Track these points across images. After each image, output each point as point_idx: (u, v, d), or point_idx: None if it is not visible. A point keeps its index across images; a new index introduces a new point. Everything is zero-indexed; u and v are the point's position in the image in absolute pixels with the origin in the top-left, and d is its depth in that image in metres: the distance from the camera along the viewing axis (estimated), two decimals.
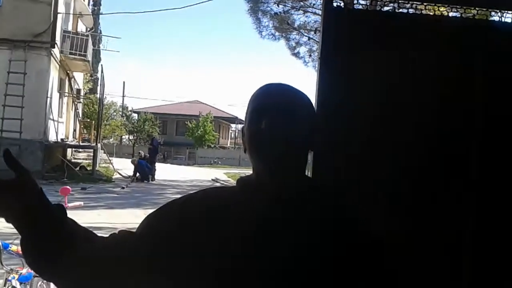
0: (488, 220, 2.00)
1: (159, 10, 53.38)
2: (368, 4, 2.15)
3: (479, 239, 2.00)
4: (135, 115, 50.27)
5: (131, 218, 11.15)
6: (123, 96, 51.60)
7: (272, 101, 1.15)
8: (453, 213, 1.99)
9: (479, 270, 2.00)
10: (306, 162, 1.21)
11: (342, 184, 1.91)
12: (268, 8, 18.60)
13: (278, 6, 18.20)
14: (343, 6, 2.00)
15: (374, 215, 1.34)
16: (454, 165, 2.00)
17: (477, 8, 2.11)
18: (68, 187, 4.87)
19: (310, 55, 18.54)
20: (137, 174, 20.30)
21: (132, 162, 21.63)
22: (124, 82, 71.77)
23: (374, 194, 1.95)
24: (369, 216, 1.19)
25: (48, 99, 17.95)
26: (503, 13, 2.22)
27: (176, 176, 23.58)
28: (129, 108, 52.00)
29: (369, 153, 1.97)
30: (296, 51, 19.20)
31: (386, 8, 2.21)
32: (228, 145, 55.60)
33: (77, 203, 5.24)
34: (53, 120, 19.16)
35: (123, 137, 48.00)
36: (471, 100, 2.00)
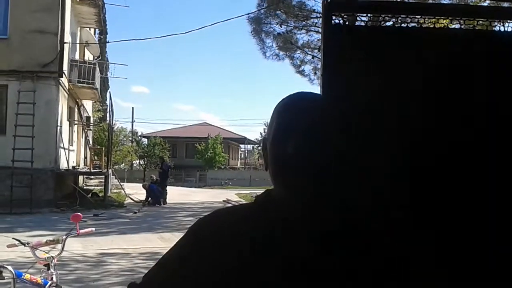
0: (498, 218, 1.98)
1: (164, 36, 54.04)
2: (368, 20, 2.16)
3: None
4: (145, 140, 50.62)
5: (143, 243, 11.15)
6: (132, 122, 52.12)
7: (302, 120, 1.04)
8: (460, 213, 1.97)
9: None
10: (341, 181, 1.13)
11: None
12: (271, 29, 18.82)
13: (280, 26, 18.42)
14: (342, 24, 2.01)
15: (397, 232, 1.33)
16: (455, 179, 1.99)
17: (477, 19, 2.11)
18: (79, 213, 4.89)
19: (315, 73, 18.65)
20: (149, 199, 20.33)
21: (144, 186, 21.66)
22: (132, 108, 72.59)
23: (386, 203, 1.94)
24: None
25: (58, 127, 18.13)
26: (503, 22, 2.22)
27: (188, 198, 23.57)
28: (139, 133, 52.47)
29: (372, 165, 1.96)
30: (301, 69, 19.35)
31: (388, 23, 2.22)
32: (238, 165, 55.64)
33: (88, 230, 5.25)
34: (63, 148, 19.31)
35: (133, 162, 48.24)
36: (473, 109, 2.00)
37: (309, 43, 18.57)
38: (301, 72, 19.38)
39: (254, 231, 1.07)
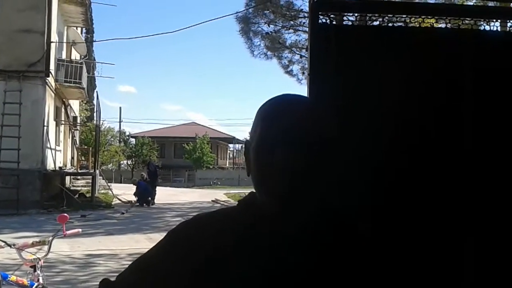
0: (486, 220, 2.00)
1: (151, 35, 53.82)
2: (356, 20, 2.17)
3: (478, 239, 1.99)
4: (133, 140, 50.38)
5: (131, 243, 11.09)
6: (120, 122, 51.87)
7: (289, 127, 0.98)
8: (451, 214, 1.99)
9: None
10: (324, 184, 1.05)
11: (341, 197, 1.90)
12: (259, 28, 18.83)
13: (268, 26, 18.44)
14: (329, 23, 2.02)
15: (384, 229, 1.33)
16: (447, 175, 2.00)
17: (462, 18, 2.13)
18: (65, 214, 4.85)
19: (303, 73, 18.69)
20: (137, 199, 20.22)
21: (133, 182, 21.67)
22: (120, 108, 72.21)
23: (376, 204, 1.94)
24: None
25: (45, 127, 17.97)
26: (488, 21, 2.23)
27: (176, 198, 23.49)
28: (127, 133, 52.22)
29: (361, 163, 1.97)
30: (289, 69, 19.39)
31: (375, 23, 2.23)
32: (227, 165, 55.59)
33: (75, 230, 5.20)
34: (50, 148, 19.15)
35: (121, 162, 48.03)
36: (459, 108, 2.01)
37: (297, 43, 18.62)
38: (289, 72, 19.43)
39: (231, 236, 1.04)
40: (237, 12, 18.55)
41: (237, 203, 1.14)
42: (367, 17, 2.21)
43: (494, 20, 2.20)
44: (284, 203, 1.00)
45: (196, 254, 1.04)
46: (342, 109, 1.93)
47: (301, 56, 18.54)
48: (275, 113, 1.01)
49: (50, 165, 19.16)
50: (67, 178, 20.89)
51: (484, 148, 2.02)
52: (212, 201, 22.71)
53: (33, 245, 4.58)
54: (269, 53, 19.31)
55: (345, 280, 1.01)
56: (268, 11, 18.36)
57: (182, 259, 1.05)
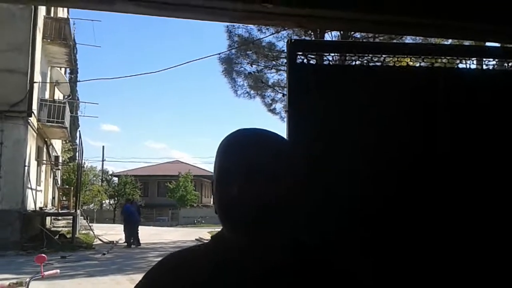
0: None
1: (135, 75, 54.23)
2: (336, 60, 2.23)
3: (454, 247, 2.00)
4: (116, 179, 49.90)
5: (112, 285, 10.82)
6: (103, 161, 51.49)
7: (244, 159, 0.98)
8: (431, 238, 2.00)
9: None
10: (291, 221, 1.05)
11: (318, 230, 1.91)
12: (242, 68, 19.10)
13: (251, 66, 18.70)
14: (306, 62, 2.07)
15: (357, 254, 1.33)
16: (422, 198, 2.02)
17: (436, 57, 2.19)
18: (43, 255, 4.75)
19: (286, 111, 18.85)
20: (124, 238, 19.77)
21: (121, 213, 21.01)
22: (103, 147, 71.80)
23: (350, 229, 1.95)
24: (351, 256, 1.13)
25: (26, 167, 17.75)
26: (461, 60, 2.30)
27: (159, 238, 23.13)
28: (109, 172, 51.75)
29: (335, 198, 1.99)
30: (272, 107, 19.59)
31: (355, 62, 2.28)
32: (211, 203, 55.02)
33: (53, 271, 5.09)
34: (31, 188, 18.87)
35: (103, 202, 47.42)
36: (435, 144, 2.06)
37: (279, 82, 18.87)
38: (272, 111, 19.62)
39: (200, 275, 1.03)
40: (220, 53, 18.84)
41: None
42: (346, 57, 2.28)
43: (467, 59, 2.27)
44: (247, 238, 0.99)
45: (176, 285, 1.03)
46: (319, 145, 1.96)
47: (283, 95, 18.75)
48: (233, 147, 1.01)
49: (30, 205, 18.83)
50: (48, 218, 20.51)
51: (460, 184, 2.06)
52: (196, 239, 22.38)
53: (10, 287, 4.46)
54: (252, 92, 19.55)
55: None
56: (250, 52, 18.67)
57: None
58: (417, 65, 2.22)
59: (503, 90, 2.17)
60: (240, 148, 1.00)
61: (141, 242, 19.79)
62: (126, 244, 19.50)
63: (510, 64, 2.32)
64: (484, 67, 2.39)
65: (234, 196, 0.97)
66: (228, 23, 16.11)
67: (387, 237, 2.00)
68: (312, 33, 15.70)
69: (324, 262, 1.06)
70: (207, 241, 1.13)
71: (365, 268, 1.17)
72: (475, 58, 2.41)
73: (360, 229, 1.98)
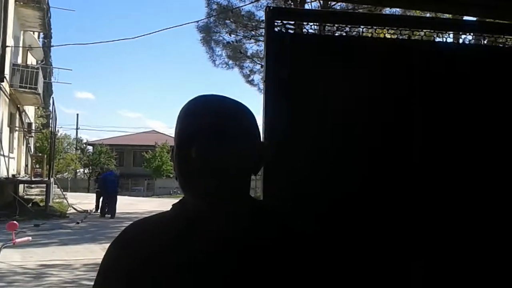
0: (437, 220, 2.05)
1: (110, 41, 53.07)
2: (315, 30, 2.20)
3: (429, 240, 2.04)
4: (90, 148, 49.40)
5: (85, 254, 10.82)
6: (77, 129, 50.79)
7: (204, 123, 0.98)
8: (404, 222, 2.03)
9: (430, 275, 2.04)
10: (249, 187, 1.06)
11: (292, 202, 1.92)
12: (221, 38, 18.83)
13: (230, 35, 18.46)
14: (284, 31, 2.04)
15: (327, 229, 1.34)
16: (399, 178, 2.05)
17: (413, 29, 2.19)
18: (15, 222, 4.70)
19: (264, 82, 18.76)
20: (100, 204, 19.22)
21: (96, 180, 20.19)
22: (77, 115, 70.71)
23: (325, 207, 1.97)
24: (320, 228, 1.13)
25: None
26: (438, 33, 2.30)
27: (135, 208, 23.08)
28: (84, 141, 51.14)
29: (316, 167, 2.00)
30: (250, 78, 19.45)
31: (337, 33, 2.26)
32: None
33: (25, 238, 5.06)
34: (3, 155, 18.54)
35: (78, 170, 46.98)
36: (409, 117, 2.07)
37: (258, 53, 18.70)
38: (251, 82, 19.50)
39: (163, 241, 1.04)
40: (198, 21, 18.53)
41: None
42: (324, 27, 2.26)
43: (444, 32, 2.27)
44: (209, 202, 0.99)
45: (132, 260, 1.03)
46: (294, 114, 1.96)
47: (261, 66, 18.64)
48: (190, 112, 1.02)
49: (3, 173, 18.53)
50: (21, 186, 20.23)
51: (434, 159, 2.08)
52: None
53: None
54: (230, 62, 19.35)
55: (280, 280, 1.00)
56: (229, 21, 18.41)
57: (121, 267, 1.05)
58: (395, 37, 2.22)
59: (479, 64, 2.19)
60: (200, 112, 1.01)
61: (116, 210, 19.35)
62: (100, 214, 19.05)
63: (486, 39, 2.34)
64: (461, 41, 2.41)
65: (193, 160, 0.96)
66: None
67: (352, 209, 2.02)
68: (292, 3, 15.54)
69: (283, 225, 1.07)
70: (170, 209, 1.13)
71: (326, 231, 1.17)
72: (452, 32, 2.42)
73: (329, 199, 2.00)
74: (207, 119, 0.99)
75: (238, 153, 0.99)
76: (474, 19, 2.86)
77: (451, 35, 2.37)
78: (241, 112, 1.04)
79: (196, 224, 1.02)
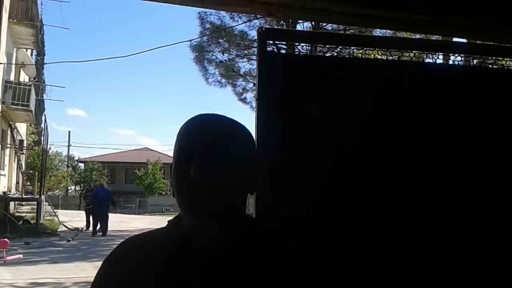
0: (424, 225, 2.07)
1: (103, 59, 53.15)
2: (307, 50, 2.24)
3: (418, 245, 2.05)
4: (82, 165, 49.11)
5: (76, 272, 10.70)
6: (69, 146, 50.50)
7: (202, 142, 1.00)
8: (393, 236, 2.05)
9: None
10: (245, 205, 1.09)
11: (285, 218, 1.93)
12: (214, 57, 18.94)
13: (223, 54, 18.56)
14: (276, 51, 2.08)
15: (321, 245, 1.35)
16: (389, 197, 2.07)
17: (402, 51, 2.24)
18: (6, 240, 4.67)
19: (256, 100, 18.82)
20: (91, 223, 18.71)
21: (84, 195, 19.37)
22: (69, 132, 70.44)
23: (317, 225, 1.98)
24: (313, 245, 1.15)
25: None
26: (427, 54, 2.35)
27: (126, 225, 22.89)
28: (76, 158, 50.84)
29: (301, 184, 2.02)
30: (243, 97, 19.52)
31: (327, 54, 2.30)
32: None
33: (16, 256, 5.02)
34: None
35: (69, 188, 46.66)
36: (399, 135, 2.10)
37: (250, 72, 18.81)
38: (243, 100, 19.56)
39: (157, 257, 1.05)
40: (191, 40, 18.64)
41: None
42: (316, 48, 2.30)
43: (434, 53, 2.32)
44: (203, 218, 1.01)
45: (123, 277, 1.05)
46: (286, 134, 1.98)
47: (254, 85, 18.73)
48: (190, 131, 1.04)
49: None
50: (11, 203, 20.06)
51: (423, 178, 2.11)
52: None
53: None
54: (223, 80, 19.43)
55: None
56: (222, 40, 18.54)
57: (118, 278, 1.06)
58: (385, 58, 2.26)
59: (468, 85, 2.23)
60: (198, 131, 1.03)
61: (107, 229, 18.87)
62: (92, 233, 18.39)
63: (475, 61, 2.39)
64: (450, 62, 2.45)
65: (191, 177, 0.98)
66: (200, 9, 15.99)
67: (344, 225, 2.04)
68: (284, 24, 15.70)
69: (275, 241, 1.09)
70: (164, 225, 1.14)
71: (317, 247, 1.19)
72: (441, 53, 2.47)
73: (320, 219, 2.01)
74: (204, 137, 1.01)
75: (233, 171, 1.00)
76: (464, 41, 2.92)
77: (441, 57, 2.42)
78: (237, 130, 1.06)
79: (190, 241, 1.04)
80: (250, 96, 19.26)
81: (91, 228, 18.81)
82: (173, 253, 1.04)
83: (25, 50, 23.31)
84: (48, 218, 21.84)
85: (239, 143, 1.04)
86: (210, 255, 1.02)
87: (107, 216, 18.51)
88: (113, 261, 1.11)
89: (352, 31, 12.04)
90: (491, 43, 2.65)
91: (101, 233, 18.18)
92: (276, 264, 1.04)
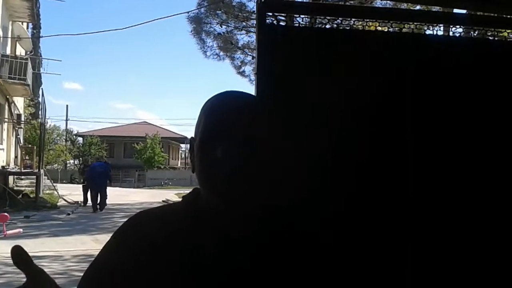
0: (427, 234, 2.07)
1: (100, 31, 52.60)
2: (307, 22, 2.21)
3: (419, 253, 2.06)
4: (81, 139, 49.12)
5: (77, 245, 10.80)
6: (67, 120, 50.34)
7: (231, 123, 0.98)
8: (392, 225, 2.05)
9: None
10: (267, 191, 1.07)
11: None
12: (211, 29, 18.72)
13: (221, 26, 18.37)
14: (276, 23, 2.04)
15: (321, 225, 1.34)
16: (392, 168, 2.06)
17: (404, 22, 2.20)
18: (6, 214, 4.70)
19: (255, 74, 18.71)
20: (87, 199, 18.38)
21: (81, 170, 18.88)
22: (67, 106, 70.10)
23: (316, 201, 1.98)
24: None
25: None
26: (429, 26, 2.32)
27: (126, 199, 23.03)
28: (74, 132, 50.80)
29: (303, 164, 2.01)
30: (241, 70, 19.38)
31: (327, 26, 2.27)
32: (179, 165, 55.01)
33: (16, 230, 5.05)
34: None
35: (68, 162, 46.72)
36: (400, 109, 2.09)
37: (249, 44, 18.64)
38: (242, 73, 19.44)
39: (175, 228, 1.05)
40: (188, 11, 18.44)
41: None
42: (316, 19, 2.26)
43: (435, 25, 2.29)
44: (226, 200, 1.00)
45: (141, 244, 1.03)
46: (286, 106, 1.96)
47: (253, 57, 18.59)
48: (218, 109, 1.01)
49: None
50: (10, 177, 20.11)
51: (425, 152, 2.10)
52: (163, 201, 22.35)
53: None
54: (221, 53, 19.25)
55: (281, 281, 1.01)
56: (220, 12, 18.32)
57: (128, 252, 1.04)
58: (386, 30, 2.23)
59: (469, 57, 2.21)
60: (222, 110, 1.01)
61: (106, 202, 18.49)
62: (92, 209, 17.75)
63: (476, 32, 2.35)
64: (451, 33, 2.42)
65: (214, 157, 0.97)
66: None
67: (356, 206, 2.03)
68: None
69: (293, 229, 1.08)
70: (176, 201, 1.14)
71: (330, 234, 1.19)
72: (442, 25, 2.43)
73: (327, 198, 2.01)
74: (232, 118, 0.99)
75: (260, 155, 0.98)
76: (464, 11, 2.88)
77: (442, 28, 2.39)
78: (265, 111, 1.05)
79: (207, 220, 1.03)
80: (249, 69, 19.13)
81: (89, 203, 18.32)
82: (187, 230, 1.03)
83: (20, 23, 23.04)
84: (47, 192, 21.93)
85: (267, 125, 1.01)
86: (227, 236, 1.01)
87: (105, 191, 18.08)
88: (123, 236, 1.09)
89: (351, 2, 11.90)
90: (492, 14, 2.61)
91: (99, 209, 17.74)
92: (292, 252, 1.04)
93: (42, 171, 20.51)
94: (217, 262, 0.99)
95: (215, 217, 1.02)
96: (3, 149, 21.36)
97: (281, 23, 2.08)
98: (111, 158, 43.06)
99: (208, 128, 1.00)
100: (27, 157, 23.77)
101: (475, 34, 2.38)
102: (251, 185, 0.99)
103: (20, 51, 23.93)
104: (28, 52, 24.97)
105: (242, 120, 0.99)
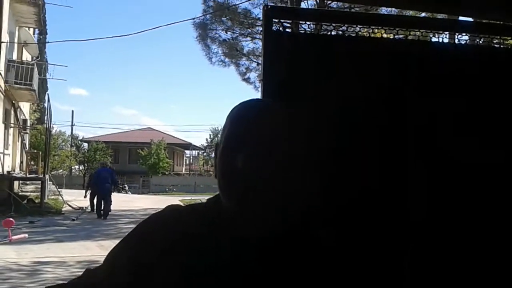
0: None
1: (106, 38, 52.85)
2: (313, 29, 2.21)
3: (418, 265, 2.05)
4: (86, 145, 49.27)
5: (81, 251, 10.81)
6: (72, 125, 50.52)
7: (253, 132, 0.99)
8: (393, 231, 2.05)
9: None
10: (286, 199, 1.06)
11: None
12: (217, 35, 18.83)
13: (226, 33, 18.46)
14: (282, 30, 2.05)
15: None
16: (400, 170, 2.06)
17: (410, 30, 2.20)
18: (11, 219, 4.71)
19: (260, 81, 18.74)
20: (94, 205, 18.20)
21: (88, 184, 18.54)
22: (72, 111, 70.32)
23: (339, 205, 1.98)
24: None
25: None
26: (434, 33, 2.32)
27: (130, 205, 23.07)
28: (79, 138, 50.98)
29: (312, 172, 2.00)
30: (246, 76, 19.47)
31: (333, 32, 2.27)
32: (183, 171, 55.11)
33: (21, 235, 5.06)
34: None
35: (73, 167, 46.86)
36: (404, 117, 2.08)
37: (254, 51, 18.71)
38: (247, 80, 19.51)
39: (197, 226, 1.06)
40: (194, 18, 18.52)
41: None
42: (321, 26, 2.26)
43: (440, 32, 2.29)
44: (243, 209, 1.01)
45: (166, 236, 1.05)
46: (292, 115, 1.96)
47: (258, 64, 18.64)
48: (243, 117, 1.02)
49: None
50: (16, 183, 20.18)
51: (430, 159, 2.09)
52: None
53: None
54: (226, 60, 19.33)
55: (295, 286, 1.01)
56: (225, 18, 18.40)
57: (147, 245, 1.06)
58: (391, 37, 2.23)
59: (475, 65, 2.20)
60: (252, 120, 1.01)
61: (111, 208, 18.23)
62: (97, 215, 17.71)
63: (481, 40, 2.35)
64: (456, 41, 2.42)
65: (234, 165, 0.98)
66: None
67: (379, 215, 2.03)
68: (288, 2, 15.54)
69: (307, 234, 1.08)
70: (201, 203, 1.15)
71: (350, 244, 1.19)
72: (447, 32, 2.43)
73: (347, 205, 2.01)
74: (257, 128, 1.00)
75: (281, 167, 0.99)
76: (470, 19, 2.88)
77: (447, 35, 2.38)
78: (291, 124, 1.04)
79: (223, 224, 1.04)
80: (254, 75, 19.20)
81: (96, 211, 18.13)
82: (204, 233, 1.04)
83: (27, 29, 23.21)
84: (52, 197, 22.00)
85: (290, 139, 1.02)
86: (242, 241, 1.02)
87: (110, 196, 17.88)
88: (144, 230, 1.11)
89: (357, 9, 11.92)
90: (498, 22, 2.61)
91: (103, 215, 17.55)
92: (304, 258, 1.04)
93: (47, 176, 20.58)
94: (232, 267, 1.00)
95: (232, 223, 1.03)
96: (8, 154, 21.45)
97: (287, 30, 2.08)
98: (116, 164, 43.21)
99: (231, 136, 1.01)
100: (32, 163, 23.88)
101: (480, 42, 2.38)
102: (268, 196, 1.00)
103: (26, 56, 24.09)
104: (34, 58, 25.14)
105: (265, 132, 0.99)
